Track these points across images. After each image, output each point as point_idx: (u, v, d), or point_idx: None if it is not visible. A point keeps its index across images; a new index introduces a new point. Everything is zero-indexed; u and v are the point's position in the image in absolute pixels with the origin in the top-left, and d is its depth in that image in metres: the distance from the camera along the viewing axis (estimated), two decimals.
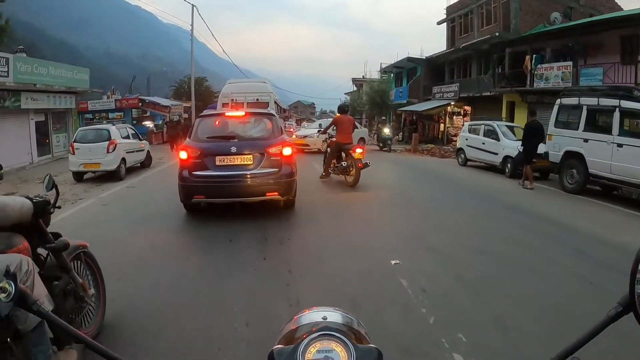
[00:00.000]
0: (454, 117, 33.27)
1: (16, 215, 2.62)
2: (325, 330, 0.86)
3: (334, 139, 12.05)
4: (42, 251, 2.98)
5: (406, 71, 39.16)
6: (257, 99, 16.84)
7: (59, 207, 3.29)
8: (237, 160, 7.57)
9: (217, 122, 8.63)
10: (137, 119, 34.04)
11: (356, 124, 24.11)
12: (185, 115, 34.11)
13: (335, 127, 12.01)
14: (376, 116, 39.08)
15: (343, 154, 11.70)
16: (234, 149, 7.57)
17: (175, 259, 5.84)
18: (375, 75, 48.81)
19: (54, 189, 3.31)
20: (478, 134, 17.02)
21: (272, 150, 7.69)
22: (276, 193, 7.69)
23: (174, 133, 25.81)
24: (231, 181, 7.50)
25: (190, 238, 7.18)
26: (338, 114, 12.47)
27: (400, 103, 36.40)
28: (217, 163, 7.54)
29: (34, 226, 2.84)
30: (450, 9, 34.61)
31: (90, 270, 3.64)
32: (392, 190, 11.64)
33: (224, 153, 7.57)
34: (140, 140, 17.08)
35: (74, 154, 13.97)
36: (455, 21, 33.82)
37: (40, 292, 2.41)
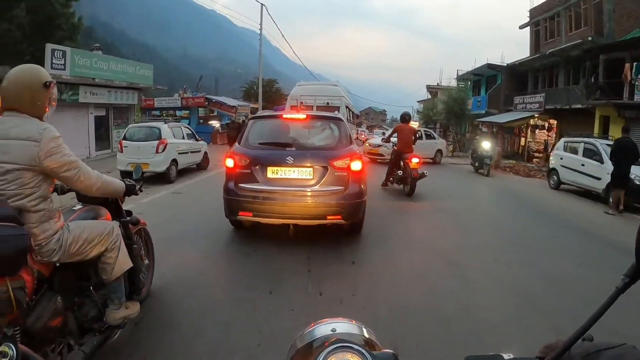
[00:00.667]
0: (537, 130, 30.61)
1: (119, 193, 3.30)
2: (339, 343, 0.85)
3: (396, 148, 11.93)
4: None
5: (485, 79, 36.64)
6: (328, 103, 15.66)
7: (142, 192, 3.81)
8: (294, 173, 6.31)
9: (272, 126, 7.35)
10: (203, 118, 34.14)
11: (430, 133, 22.36)
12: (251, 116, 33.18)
13: (396, 136, 11.92)
14: (452, 126, 36.67)
15: (402, 163, 11.47)
16: (290, 160, 6.25)
17: (191, 306, 4.36)
18: (451, 83, 46.16)
19: (141, 176, 3.89)
20: (576, 154, 14.47)
21: (339, 163, 6.31)
22: (339, 217, 6.30)
23: (234, 134, 24.77)
24: (285, 199, 6.23)
25: (220, 275, 5.58)
26: (400, 123, 12.47)
27: (478, 113, 34.05)
28: (269, 175, 6.30)
29: (115, 203, 3.53)
30: (534, 12, 31.96)
31: (145, 245, 4.35)
32: (471, 216, 9.88)
33: (279, 164, 6.31)
34: (197, 140, 16.00)
35: (122, 151, 13.19)
36: (540, 25, 31.10)
37: (124, 252, 3.12)
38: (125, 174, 13.18)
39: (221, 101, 33.03)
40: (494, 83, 34.92)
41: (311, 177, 6.26)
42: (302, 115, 7.07)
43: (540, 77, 30.24)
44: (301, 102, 14.12)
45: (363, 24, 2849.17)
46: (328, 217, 6.26)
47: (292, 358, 0.94)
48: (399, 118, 15.24)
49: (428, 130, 23.12)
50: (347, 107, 16.76)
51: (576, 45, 23.60)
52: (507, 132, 31.86)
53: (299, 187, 6.24)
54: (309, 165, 6.28)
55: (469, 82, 38.21)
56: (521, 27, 33.98)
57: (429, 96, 53.34)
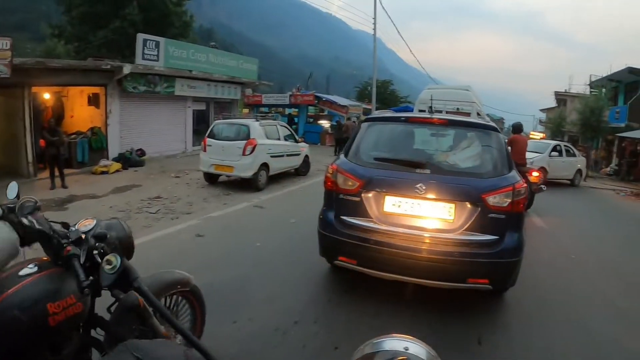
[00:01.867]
0: None
1: None
2: None
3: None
4: None
5: (623, 86, 31.39)
6: (458, 108, 13.03)
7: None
8: (427, 209, 4.20)
9: (396, 134, 5.07)
10: (313, 117, 32.88)
11: (570, 148, 19.02)
12: (363, 118, 31.13)
13: (510, 148, 9.04)
14: (582, 140, 32.05)
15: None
16: (422, 188, 4.13)
17: None
18: (585, 90, 41.28)
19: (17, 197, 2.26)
20: None
21: (495, 199, 4.06)
22: (486, 281, 4.08)
23: (340, 137, 23.04)
24: (407, 247, 4.09)
25: None
26: (513, 134, 11.38)
27: (615, 127, 29.26)
28: (388, 209, 4.28)
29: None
30: None
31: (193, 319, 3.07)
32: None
33: (404, 192, 4.25)
34: (297, 141, 14.13)
35: (205, 150, 11.57)
36: None
37: None
38: (208, 177, 11.96)
39: (331, 100, 30.97)
40: (634, 91, 29.98)
41: (452, 217, 4.14)
42: (440, 119, 4.85)
43: None
44: (430, 107, 11.07)
45: (484, 28, 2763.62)
46: (469, 280, 4.08)
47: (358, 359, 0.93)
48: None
49: (568, 145, 19.60)
50: (478, 113, 13.89)
51: None
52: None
53: (432, 231, 4.16)
54: (449, 198, 4.15)
55: (603, 90, 32.72)
56: None
57: (555, 104, 47.71)
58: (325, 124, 30.43)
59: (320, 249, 4.71)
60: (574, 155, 18.77)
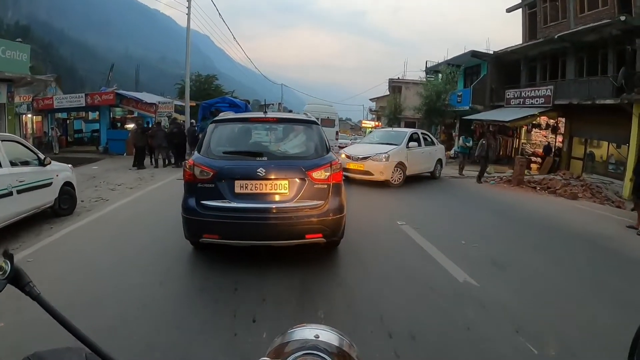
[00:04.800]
0: (533, 131, 25.51)
1: None
2: (313, 350, 0.86)
3: None
4: None
5: (463, 71, 30.72)
6: (328, 117, 22.04)
7: None
8: (267, 187, 5.42)
9: (238, 131, 6.38)
10: (120, 121, 27.36)
11: (428, 136, 16.13)
12: (181, 118, 26.03)
13: None
14: (432, 126, 30.22)
15: None
16: (262, 172, 5.35)
17: None
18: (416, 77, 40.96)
19: None
20: None
21: (318, 174, 5.47)
22: (320, 235, 5.44)
23: (142, 143, 18.23)
24: (257, 217, 5.32)
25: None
26: None
27: (459, 110, 28.40)
28: (238, 190, 5.39)
29: None
30: None
31: None
32: None
33: (248, 177, 5.39)
34: (43, 163, 8.55)
35: None
36: (538, 6, 25.56)
37: None
38: None
39: (135, 97, 25.06)
40: (476, 75, 29.49)
41: (287, 191, 5.43)
42: (272, 117, 6.27)
43: (538, 68, 24.97)
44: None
45: (312, 26, 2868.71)
46: (307, 236, 5.42)
47: (270, 351, 0.94)
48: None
49: (426, 132, 16.42)
50: (334, 119, 23.40)
51: (602, 27, 18.25)
52: (499, 133, 25.97)
53: (274, 203, 5.43)
54: (283, 177, 5.43)
55: (443, 74, 31.23)
56: (509, 10, 28.88)
57: (388, 92, 47.32)
58: (132, 127, 23.93)
59: (185, 232, 5.59)
60: (432, 143, 15.76)
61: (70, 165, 9.97)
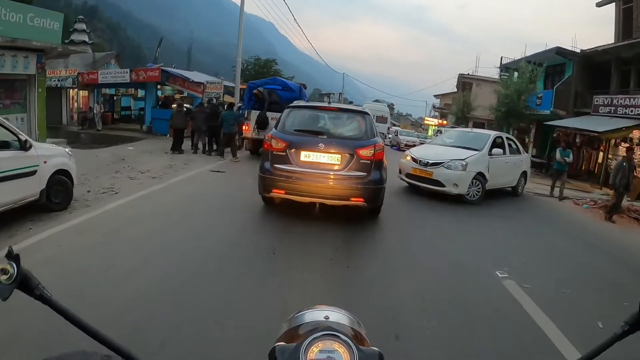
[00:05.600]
0: (621, 144, 21.32)
1: None
2: (329, 331, 0.85)
3: None
4: None
5: (544, 70, 26.61)
6: (382, 115, 31.63)
7: None
8: (324, 158, 7.09)
9: (307, 115, 8.08)
10: (170, 100, 25.38)
11: (513, 142, 13.47)
12: (224, 99, 23.64)
13: None
14: (498, 127, 26.88)
15: None
16: (322, 146, 7.06)
17: None
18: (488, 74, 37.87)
19: None
20: None
21: (363, 152, 7.04)
22: (362, 200, 7.03)
23: (181, 126, 16.68)
24: (315, 180, 6.98)
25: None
26: None
27: (538, 114, 25.07)
28: (302, 159, 7.10)
29: None
30: None
31: None
32: None
33: (311, 149, 7.11)
34: (24, 147, 6.60)
35: None
36: (635, 0, 21.86)
37: None
38: None
39: (182, 75, 23.12)
40: (558, 76, 25.95)
41: (339, 162, 7.02)
42: (333, 107, 8.11)
43: (633, 72, 21.12)
44: None
45: (373, 18, 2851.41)
46: (351, 199, 6.99)
47: (281, 336, 0.93)
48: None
49: (510, 137, 13.51)
50: (387, 117, 33.30)
51: None
52: (586, 145, 22.79)
53: (328, 170, 6.99)
54: (337, 152, 7.03)
55: (531, 71, 27.52)
56: (600, 5, 24.81)
57: (456, 89, 44.25)
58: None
59: (260, 187, 7.44)
60: (518, 151, 12.94)
61: (67, 149, 8.14)
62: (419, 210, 9.42)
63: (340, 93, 40.27)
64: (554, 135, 23.31)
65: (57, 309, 0.91)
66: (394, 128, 40.25)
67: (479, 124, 32.53)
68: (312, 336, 0.82)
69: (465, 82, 40.77)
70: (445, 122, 46.17)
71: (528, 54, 27.90)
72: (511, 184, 12.54)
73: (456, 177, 10.34)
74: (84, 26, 34.21)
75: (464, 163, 10.45)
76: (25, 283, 0.91)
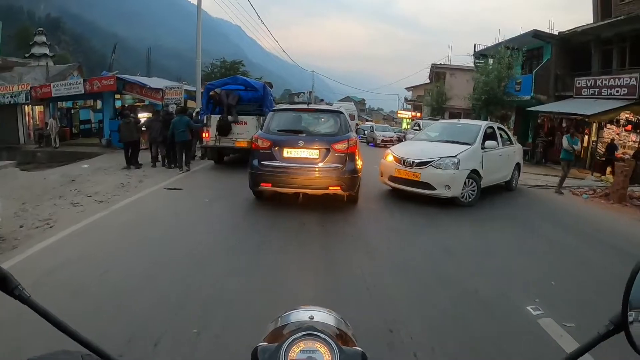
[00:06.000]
0: (606, 127, 20.99)
1: None
2: (311, 330, 0.86)
3: None
4: None
5: (521, 54, 25.71)
6: (350, 113, 25.85)
7: None
8: (304, 153, 8.01)
9: (288, 116, 9.04)
10: (129, 109, 23.60)
11: (504, 132, 12.21)
12: (194, 106, 21.92)
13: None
14: (485, 118, 25.83)
15: None
16: (301, 143, 8.04)
17: None
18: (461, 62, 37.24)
19: None
20: None
21: (338, 146, 7.96)
22: (338, 188, 7.98)
23: (131, 138, 14.82)
24: (297, 172, 7.95)
25: None
26: None
27: (518, 99, 24.42)
28: (285, 155, 8.06)
29: None
30: None
31: None
32: None
33: (292, 146, 8.06)
34: None
35: None
36: None
37: None
38: None
39: (140, 82, 21.47)
40: (536, 60, 25.39)
41: (317, 156, 8.00)
42: (312, 108, 9.45)
43: (615, 52, 20.60)
44: None
45: (341, 15, 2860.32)
46: (330, 188, 8.00)
47: (266, 336, 0.94)
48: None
49: (501, 127, 12.15)
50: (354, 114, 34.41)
51: None
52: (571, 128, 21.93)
53: (308, 164, 8.01)
54: (315, 147, 8.04)
55: (509, 56, 26.09)
56: None
57: (429, 80, 43.71)
58: (143, 116, 19.72)
59: (250, 182, 8.44)
60: (510, 142, 11.67)
61: None
62: (411, 222, 8.15)
63: (310, 91, 39.28)
64: (538, 121, 22.46)
65: (35, 309, 0.90)
66: (368, 123, 42.65)
67: (456, 114, 31.74)
68: (293, 336, 0.83)
69: (439, 72, 39.89)
70: (419, 114, 45.39)
71: (502, 39, 27.03)
72: (505, 178, 11.35)
73: (448, 177, 9.03)
74: (44, 38, 33.06)
75: (456, 160, 9.15)
76: (4, 283, 0.90)
